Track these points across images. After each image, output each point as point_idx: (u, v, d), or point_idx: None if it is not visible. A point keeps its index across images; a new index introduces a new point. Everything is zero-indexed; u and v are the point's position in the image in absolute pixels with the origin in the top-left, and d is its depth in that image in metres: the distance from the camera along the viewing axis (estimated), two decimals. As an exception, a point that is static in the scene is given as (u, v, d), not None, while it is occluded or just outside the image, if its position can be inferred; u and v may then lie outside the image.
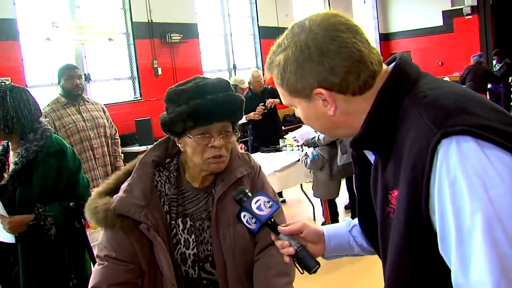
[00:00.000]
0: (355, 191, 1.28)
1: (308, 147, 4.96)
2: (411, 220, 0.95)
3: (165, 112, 1.65)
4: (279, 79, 1.08)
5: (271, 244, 1.63)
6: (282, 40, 1.07)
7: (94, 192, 1.72)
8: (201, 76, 1.67)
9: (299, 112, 1.12)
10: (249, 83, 6.36)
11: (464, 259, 0.87)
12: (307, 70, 1.02)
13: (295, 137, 5.20)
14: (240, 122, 5.97)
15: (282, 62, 1.05)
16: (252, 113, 6.06)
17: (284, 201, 6.47)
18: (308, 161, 4.87)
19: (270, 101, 6.09)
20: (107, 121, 4.17)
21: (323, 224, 5.08)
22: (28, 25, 6.34)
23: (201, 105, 1.55)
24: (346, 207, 5.82)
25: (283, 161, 5.21)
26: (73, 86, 4.00)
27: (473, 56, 10.46)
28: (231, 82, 6.54)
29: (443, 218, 0.90)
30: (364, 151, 1.17)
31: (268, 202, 1.34)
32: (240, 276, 1.68)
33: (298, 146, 5.39)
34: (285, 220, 1.57)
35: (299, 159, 5.24)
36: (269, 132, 6.19)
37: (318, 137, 4.70)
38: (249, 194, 1.38)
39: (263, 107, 6.03)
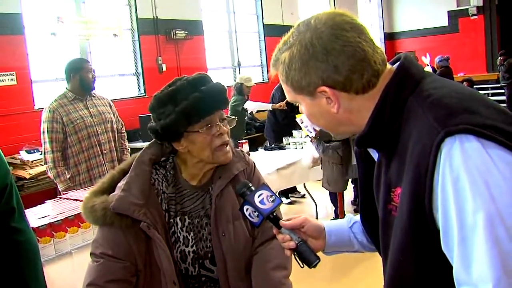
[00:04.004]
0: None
1: (322, 139, 4.87)
2: (414, 217, 0.96)
3: (157, 120, 1.63)
4: (284, 76, 1.09)
5: (270, 238, 1.67)
6: (288, 38, 1.09)
7: (89, 191, 1.71)
8: (179, 77, 1.69)
9: (303, 109, 1.13)
10: None
11: (466, 256, 0.88)
12: (312, 68, 1.03)
13: (307, 126, 5.04)
14: (264, 108, 6.40)
15: (287, 59, 1.06)
16: (279, 103, 6.27)
17: (304, 196, 6.41)
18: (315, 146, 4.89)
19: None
20: (114, 115, 4.15)
21: (333, 219, 5.08)
22: (34, 19, 6.36)
23: (201, 97, 1.59)
24: (352, 203, 5.89)
25: (287, 159, 5.20)
26: (91, 79, 3.97)
27: (439, 60, 10.09)
28: (237, 80, 6.53)
29: (446, 215, 0.91)
30: (368, 149, 1.18)
31: (271, 196, 1.36)
32: (240, 272, 1.70)
33: (311, 137, 5.27)
34: (281, 215, 1.59)
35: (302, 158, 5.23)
36: (288, 122, 6.25)
37: None
38: (252, 188, 1.39)
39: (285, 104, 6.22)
